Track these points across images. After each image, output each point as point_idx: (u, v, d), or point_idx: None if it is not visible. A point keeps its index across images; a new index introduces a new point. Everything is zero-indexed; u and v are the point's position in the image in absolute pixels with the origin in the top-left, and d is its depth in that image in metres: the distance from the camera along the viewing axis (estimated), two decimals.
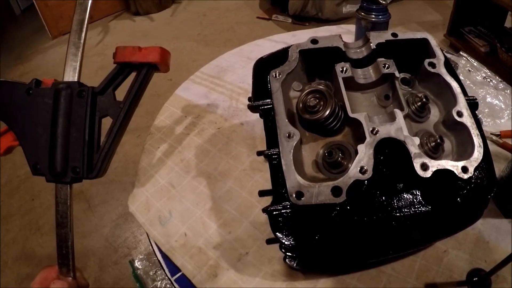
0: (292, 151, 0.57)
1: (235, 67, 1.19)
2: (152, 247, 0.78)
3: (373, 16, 1.09)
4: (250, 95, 1.02)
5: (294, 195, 0.54)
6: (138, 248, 1.90)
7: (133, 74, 0.67)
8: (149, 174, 0.89)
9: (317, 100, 0.60)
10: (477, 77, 1.09)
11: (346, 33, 1.30)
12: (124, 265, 1.84)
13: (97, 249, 1.93)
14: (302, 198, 0.54)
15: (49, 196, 2.28)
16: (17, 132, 0.65)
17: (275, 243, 0.63)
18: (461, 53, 1.20)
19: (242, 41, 3.14)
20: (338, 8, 3.11)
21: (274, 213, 0.59)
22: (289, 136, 0.58)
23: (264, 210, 0.59)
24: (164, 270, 0.73)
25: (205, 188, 0.83)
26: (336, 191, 0.53)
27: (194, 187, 0.84)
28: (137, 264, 1.81)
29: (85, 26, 0.66)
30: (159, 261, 0.75)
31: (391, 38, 0.67)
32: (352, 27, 1.32)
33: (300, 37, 1.27)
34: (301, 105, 0.61)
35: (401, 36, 0.67)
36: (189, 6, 4.21)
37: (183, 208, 0.81)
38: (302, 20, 3.28)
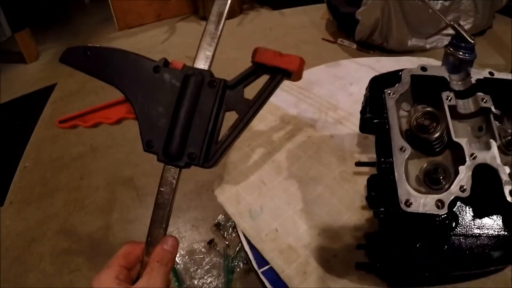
0: (404, 163, 0.61)
1: (323, 83, 1.23)
2: (239, 238, 0.81)
3: (460, 53, 1.11)
4: (338, 111, 1.07)
5: (403, 202, 0.57)
6: (181, 244, 1.91)
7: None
8: (239, 169, 0.93)
9: (430, 121, 0.64)
10: None
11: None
12: None
13: (139, 237, 1.91)
14: (410, 206, 0.57)
15: (99, 177, 2.35)
16: (136, 106, 0.64)
17: (364, 249, 0.68)
18: None
19: (307, 60, 3.18)
20: (404, 40, 3.12)
21: (382, 216, 0.63)
22: (401, 149, 0.62)
23: (376, 214, 0.63)
24: (250, 262, 0.76)
25: (296, 189, 0.86)
26: (439, 203, 0.57)
27: (285, 187, 0.87)
28: (177, 259, 1.83)
29: (223, 18, 0.66)
30: (246, 252, 0.78)
31: (489, 76, 0.71)
32: (432, 61, 1.34)
33: (384, 63, 1.30)
34: (415, 123, 0.65)
35: (497, 75, 0.71)
36: (256, 18, 4.28)
37: (274, 205, 0.84)
38: (366, 47, 3.30)
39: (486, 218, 0.61)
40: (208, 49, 0.66)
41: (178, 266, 1.80)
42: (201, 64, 0.65)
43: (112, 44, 4.12)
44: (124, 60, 0.66)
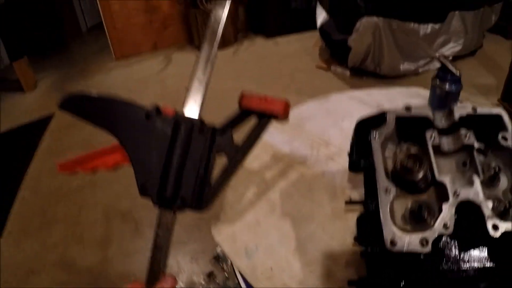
0: (389, 204, 0.65)
1: (316, 118, 1.27)
2: (236, 276, 0.84)
3: (447, 85, 1.16)
4: (330, 146, 1.11)
5: (389, 242, 0.61)
6: (180, 276, 1.92)
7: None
8: (235, 208, 0.96)
9: (414, 162, 0.68)
10: None
11: (415, 95, 1.37)
12: None
13: (139, 271, 1.94)
14: (395, 246, 0.60)
15: (97, 210, 2.37)
16: (130, 152, 0.67)
17: (355, 285, 0.70)
18: None
19: (300, 89, 3.23)
20: (396, 65, 3.20)
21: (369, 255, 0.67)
22: (386, 191, 0.66)
23: (363, 254, 0.66)
24: None
25: (290, 228, 0.89)
26: (423, 242, 0.60)
27: (279, 225, 0.90)
28: None
29: (210, 64, 0.70)
30: None
31: (471, 112, 0.74)
32: (421, 91, 1.38)
33: (375, 96, 1.34)
34: (399, 165, 0.69)
35: (479, 110, 0.74)
36: (251, 47, 4.38)
37: (269, 243, 0.87)
38: (360, 73, 3.36)
39: (472, 251, 0.64)
40: (197, 95, 0.69)
41: None
42: (191, 109, 0.69)
43: (109, 74, 4.21)
44: (117, 108, 0.70)
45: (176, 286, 1.67)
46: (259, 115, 0.69)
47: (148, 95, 3.56)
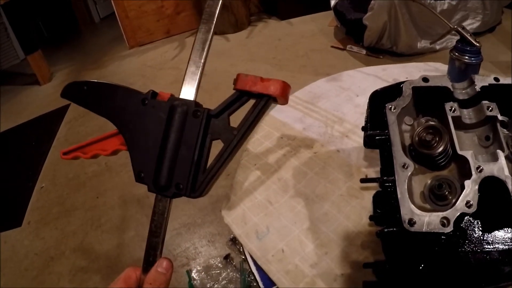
0: (406, 180, 0.60)
1: (329, 95, 1.22)
2: (246, 259, 0.81)
3: (466, 57, 1.11)
4: (344, 123, 1.07)
5: (407, 222, 0.56)
6: (197, 259, 1.92)
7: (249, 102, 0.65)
8: (246, 188, 0.93)
9: (432, 136, 0.63)
10: None
11: (433, 70, 1.31)
12: (180, 273, 1.87)
13: None
14: (414, 225, 0.56)
15: (114, 196, 2.39)
16: (127, 138, 0.66)
17: (371, 267, 0.67)
18: None
19: (316, 69, 3.19)
20: (413, 43, 3.11)
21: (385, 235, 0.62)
22: (404, 167, 0.61)
23: (379, 234, 0.62)
24: (258, 283, 0.76)
25: (303, 208, 0.86)
26: (445, 221, 0.55)
27: (291, 206, 0.87)
28: (194, 274, 1.83)
29: (207, 46, 0.67)
30: (253, 273, 0.78)
31: (494, 82, 0.69)
32: (439, 65, 1.33)
33: (391, 71, 1.30)
34: (417, 138, 0.64)
35: (503, 81, 0.69)
36: (265, 29, 4.32)
37: (281, 225, 0.84)
38: (376, 52, 3.29)
39: (496, 231, 0.59)
40: (193, 78, 0.66)
41: (195, 281, 1.81)
42: (187, 93, 0.66)
43: (124, 62, 4.22)
44: (114, 94, 0.68)
45: (193, 269, 1.68)
46: (256, 97, 0.64)
47: (163, 81, 3.56)
